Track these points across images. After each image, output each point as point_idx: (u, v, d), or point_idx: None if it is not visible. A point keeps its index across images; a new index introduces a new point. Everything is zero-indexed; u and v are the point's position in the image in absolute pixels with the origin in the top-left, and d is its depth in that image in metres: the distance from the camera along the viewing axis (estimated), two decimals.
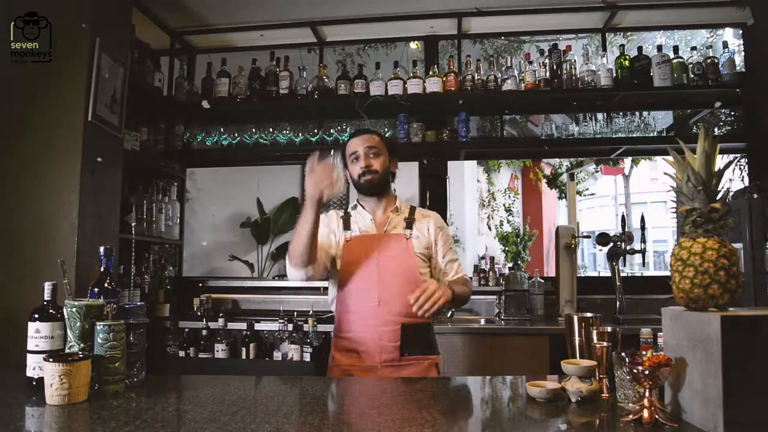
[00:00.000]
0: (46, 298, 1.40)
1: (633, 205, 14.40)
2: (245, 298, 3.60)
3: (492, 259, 4.23)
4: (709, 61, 3.20)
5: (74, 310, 1.36)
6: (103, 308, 1.40)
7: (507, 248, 7.66)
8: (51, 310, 1.39)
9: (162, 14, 3.50)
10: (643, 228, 3.13)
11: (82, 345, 1.35)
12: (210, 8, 3.46)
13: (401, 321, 1.82)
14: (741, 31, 3.54)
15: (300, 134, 3.47)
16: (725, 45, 3.30)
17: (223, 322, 3.00)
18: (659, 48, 3.26)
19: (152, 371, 1.53)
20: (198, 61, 3.92)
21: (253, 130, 3.51)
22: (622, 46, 3.41)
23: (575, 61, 3.29)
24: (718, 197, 1.17)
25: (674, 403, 1.14)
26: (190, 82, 3.67)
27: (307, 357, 2.87)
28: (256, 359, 2.96)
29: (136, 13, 3.19)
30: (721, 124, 3.73)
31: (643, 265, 3.39)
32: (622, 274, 3.20)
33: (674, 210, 1.24)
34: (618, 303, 3.10)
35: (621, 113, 3.45)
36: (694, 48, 3.36)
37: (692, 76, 3.20)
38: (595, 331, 1.40)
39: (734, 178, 3.59)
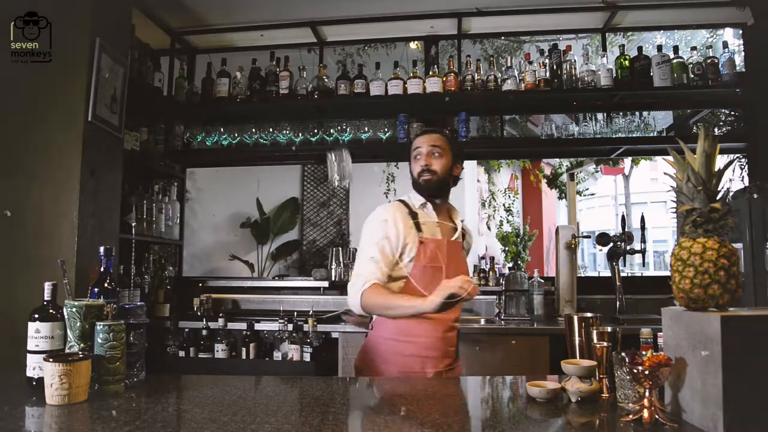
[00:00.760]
0: (46, 298, 1.40)
1: (633, 205, 14.41)
2: (245, 298, 3.60)
3: (492, 259, 4.23)
4: (709, 61, 3.20)
5: (74, 310, 1.36)
6: (103, 308, 1.40)
7: (507, 248, 7.66)
8: (51, 310, 1.40)
9: (162, 14, 3.49)
10: (643, 228, 3.13)
11: (82, 345, 1.35)
12: (210, 8, 3.46)
13: (457, 327, 1.90)
14: (741, 31, 3.54)
15: (300, 134, 3.47)
16: (725, 45, 3.30)
17: (223, 322, 3.00)
18: (659, 48, 3.26)
19: (152, 371, 1.53)
20: (198, 61, 3.92)
21: (253, 130, 3.51)
22: (622, 46, 3.41)
23: (575, 61, 3.29)
24: (718, 197, 1.17)
25: (674, 403, 1.14)
26: (190, 82, 3.66)
27: (307, 357, 2.87)
28: (256, 359, 2.96)
29: (136, 13, 3.19)
30: (721, 124, 3.73)
31: (643, 265, 3.39)
32: (622, 274, 3.20)
33: (674, 210, 1.24)
34: (618, 303, 3.10)
35: (621, 113, 3.44)
36: (694, 48, 3.36)
37: (692, 76, 3.20)
38: (595, 331, 1.41)
39: (734, 178, 3.59)
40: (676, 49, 3.29)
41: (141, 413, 1.20)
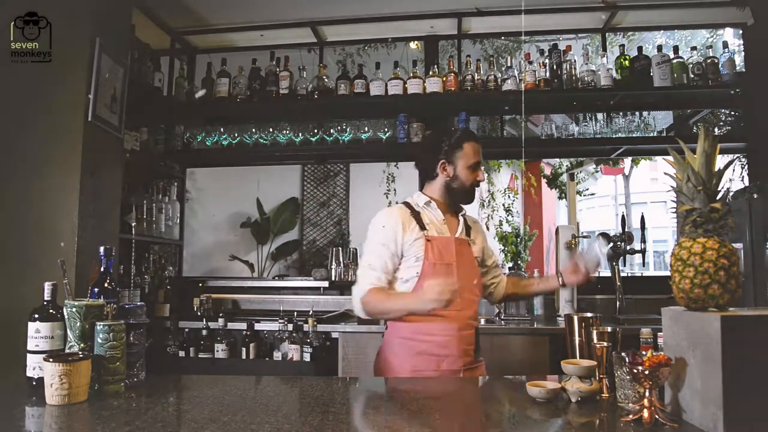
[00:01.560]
0: (46, 298, 1.40)
1: (633, 205, 14.39)
2: (245, 298, 3.60)
3: None
4: (709, 61, 3.20)
5: (74, 310, 1.36)
6: (103, 308, 1.40)
7: (507, 248, 7.65)
8: (51, 310, 1.40)
9: (162, 14, 3.49)
10: (643, 228, 3.13)
11: (82, 345, 1.35)
12: (210, 8, 3.46)
13: (474, 324, 1.88)
14: (741, 31, 3.54)
15: (300, 134, 3.47)
16: (725, 45, 3.30)
17: (223, 322, 3.00)
18: (659, 48, 3.26)
19: (152, 371, 1.53)
20: (198, 61, 3.92)
21: (253, 130, 3.51)
22: (622, 46, 3.41)
23: (575, 61, 3.29)
24: (718, 197, 1.17)
25: (674, 403, 1.14)
26: (190, 82, 3.66)
27: (307, 357, 2.87)
28: (256, 359, 2.96)
29: (136, 13, 3.18)
30: (721, 124, 3.73)
31: (643, 265, 3.39)
32: (622, 274, 3.20)
33: (674, 210, 1.24)
34: (618, 303, 3.10)
35: (621, 113, 3.44)
36: (694, 48, 3.36)
37: (692, 76, 3.20)
38: (595, 331, 1.41)
39: (734, 178, 3.59)
40: (676, 49, 3.29)
41: (141, 413, 1.20)
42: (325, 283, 3.44)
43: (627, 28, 3.77)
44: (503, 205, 8.60)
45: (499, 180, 8.66)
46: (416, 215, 1.87)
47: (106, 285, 1.51)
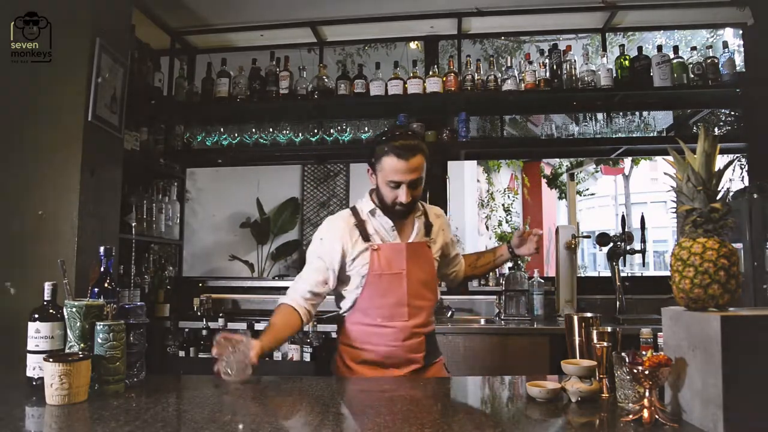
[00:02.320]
0: (46, 298, 1.40)
1: (633, 205, 14.41)
2: (245, 298, 3.60)
3: None
4: (709, 61, 3.20)
5: (74, 310, 1.36)
6: (103, 308, 1.40)
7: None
8: (51, 310, 1.40)
9: (162, 14, 3.49)
10: (643, 228, 3.13)
11: (82, 345, 1.35)
12: (210, 8, 3.46)
13: (424, 332, 1.78)
14: (741, 31, 3.54)
15: (300, 134, 3.47)
16: (725, 45, 3.30)
17: (223, 322, 3.00)
18: (659, 48, 3.26)
19: (152, 371, 1.53)
20: (198, 61, 3.92)
21: (253, 130, 3.51)
22: (622, 46, 3.41)
23: (575, 61, 3.29)
24: (718, 197, 1.17)
25: (674, 403, 1.14)
26: (190, 82, 3.66)
27: (307, 357, 2.87)
28: None
29: (136, 13, 3.18)
30: (721, 124, 3.73)
31: (643, 265, 3.39)
32: (622, 274, 3.20)
33: (674, 210, 1.24)
34: (618, 303, 3.10)
35: (621, 113, 3.44)
36: (694, 48, 3.36)
37: (692, 76, 3.20)
38: (595, 331, 1.41)
39: (734, 178, 3.59)
40: (676, 49, 3.29)
41: (141, 413, 1.20)
42: None
43: (627, 28, 3.77)
44: (503, 205, 8.61)
45: (498, 180, 8.67)
46: (361, 224, 1.77)
47: (106, 285, 1.51)
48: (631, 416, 1.11)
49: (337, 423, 1.14)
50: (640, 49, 3.31)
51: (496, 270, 3.70)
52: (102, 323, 1.35)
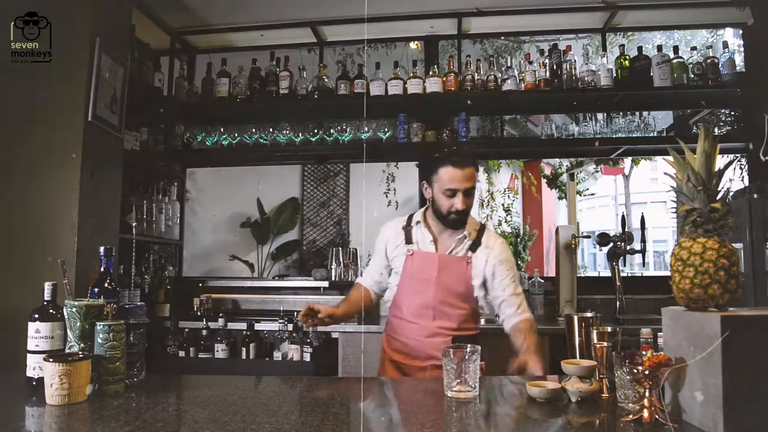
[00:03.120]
0: (46, 298, 1.40)
1: (633, 205, 14.39)
2: (245, 298, 3.60)
3: None
4: (709, 61, 3.20)
5: (74, 310, 1.36)
6: (103, 308, 1.40)
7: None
8: (51, 310, 1.40)
9: (162, 14, 3.49)
10: (643, 228, 3.13)
11: (82, 345, 1.35)
12: (210, 8, 3.46)
13: (453, 334, 1.90)
14: (741, 31, 3.54)
15: (300, 134, 3.47)
16: (725, 45, 3.30)
17: (223, 322, 3.00)
18: (659, 48, 3.26)
19: (152, 371, 1.53)
20: (198, 61, 3.91)
21: (253, 130, 3.51)
22: (622, 46, 3.41)
23: (575, 61, 3.28)
24: (718, 197, 1.17)
25: (674, 403, 1.14)
26: (190, 82, 3.66)
27: (307, 357, 2.87)
28: (256, 359, 2.96)
29: (136, 13, 3.18)
30: (721, 124, 3.73)
31: (643, 265, 3.39)
32: (622, 274, 3.20)
33: (674, 210, 1.24)
34: (618, 303, 3.09)
35: (621, 113, 3.44)
36: (694, 48, 3.36)
37: (692, 76, 3.20)
38: (595, 331, 1.41)
39: (734, 178, 3.59)
40: (676, 49, 3.29)
41: (141, 413, 1.20)
42: (325, 283, 3.44)
43: (627, 28, 3.77)
44: (503, 205, 8.59)
45: (498, 180, 8.66)
46: (408, 231, 2.00)
47: (106, 285, 1.51)
48: (631, 416, 1.11)
49: (337, 423, 1.14)
50: (640, 49, 3.31)
51: None
52: (102, 323, 1.35)
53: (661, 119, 3.64)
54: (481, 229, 1.99)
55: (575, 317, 1.48)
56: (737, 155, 3.51)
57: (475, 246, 1.95)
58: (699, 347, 1.07)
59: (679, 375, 1.12)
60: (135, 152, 3.17)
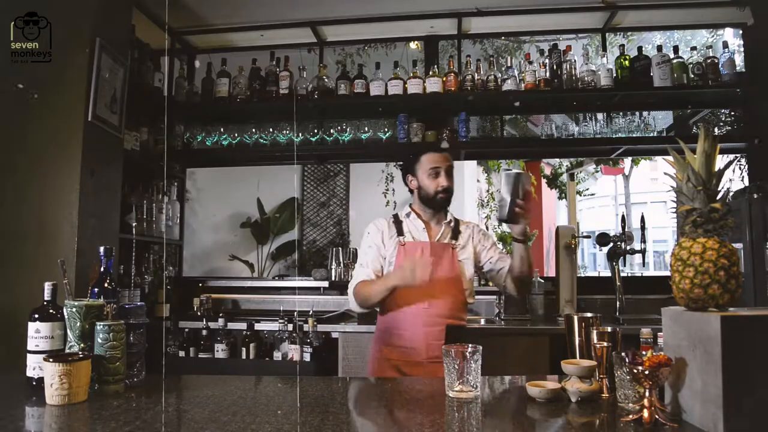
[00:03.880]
0: (46, 298, 1.40)
1: (633, 205, 14.40)
2: (245, 298, 3.60)
3: None
4: (709, 61, 3.20)
5: (74, 310, 1.36)
6: (103, 308, 1.40)
7: (506, 248, 7.65)
8: (51, 310, 1.40)
9: (162, 14, 3.49)
10: (643, 228, 3.13)
11: (82, 345, 1.35)
12: (210, 8, 3.46)
13: (446, 322, 1.97)
14: (741, 31, 3.54)
15: (300, 134, 3.47)
16: (725, 45, 3.30)
17: (223, 322, 2.99)
18: (659, 48, 3.26)
19: (152, 371, 1.53)
20: (198, 61, 3.91)
21: (253, 130, 3.51)
22: (622, 46, 3.41)
23: (575, 61, 3.29)
24: (718, 197, 1.17)
25: (674, 403, 1.14)
26: (190, 82, 3.66)
27: (307, 357, 2.87)
28: (256, 359, 2.96)
29: (136, 13, 3.18)
30: (721, 124, 3.73)
31: (643, 265, 3.39)
32: (622, 274, 3.20)
33: (674, 210, 1.24)
34: (618, 303, 3.09)
35: (621, 113, 3.44)
36: (694, 48, 3.36)
37: (692, 76, 3.20)
38: (595, 331, 1.40)
39: (734, 178, 3.59)
40: (676, 49, 3.29)
41: (141, 413, 1.20)
42: (325, 283, 3.44)
43: (627, 28, 3.77)
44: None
45: (498, 180, 8.65)
46: (398, 224, 2.11)
47: (106, 285, 1.51)
48: (631, 416, 1.11)
49: (337, 423, 1.14)
50: (640, 49, 3.31)
51: None
52: (102, 323, 1.35)
53: (661, 119, 3.64)
54: (456, 220, 2.17)
55: (575, 317, 1.48)
56: (737, 155, 3.51)
57: (455, 233, 2.12)
58: (699, 347, 1.07)
59: (679, 375, 1.12)
60: (135, 152, 3.17)
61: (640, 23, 3.66)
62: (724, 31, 4.86)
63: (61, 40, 2.41)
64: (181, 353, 3.01)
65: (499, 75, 3.33)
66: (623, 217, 3.36)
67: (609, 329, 1.40)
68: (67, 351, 1.37)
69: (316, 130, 3.48)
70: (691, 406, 1.09)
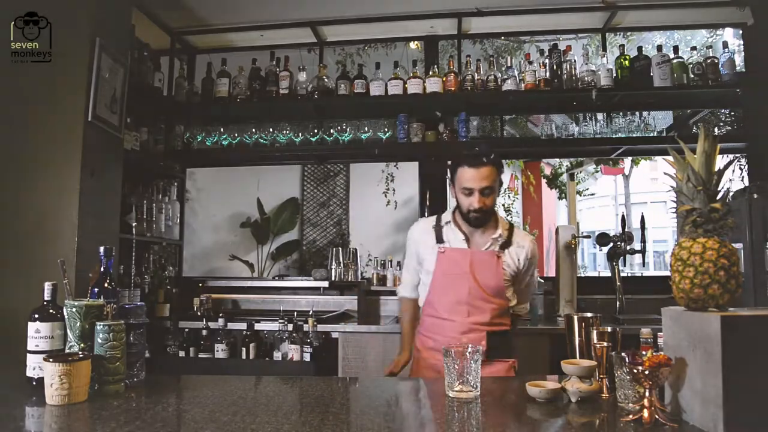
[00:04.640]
0: (46, 298, 1.40)
1: (633, 205, 14.40)
2: (245, 298, 3.60)
3: None
4: (709, 61, 3.20)
5: (74, 310, 1.36)
6: (103, 308, 1.40)
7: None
8: (51, 310, 1.40)
9: (162, 14, 3.49)
10: (643, 228, 3.13)
11: (82, 345, 1.35)
12: (210, 8, 3.46)
13: (487, 329, 1.91)
14: (741, 31, 3.54)
15: (300, 134, 3.47)
16: (725, 45, 3.30)
17: (223, 322, 2.99)
18: (659, 48, 3.26)
19: (152, 371, 1.53)
20: (198, 61, 3.91)
21: (253, 130, 3.51)
22: (622, 46, 3.41)
23: (575, 61, 3.29)
24: (718, 197, 1.17)
25: (674, 403, 1.14)
26: (190, 82, 3.66)
27: (307, 357, 2.87)
28: (256, 359, 2.96)
29: (136, 13, 3.18)
30: (721, 124, 3.73)
31: (643, 265, 3.39)
32: (622, 274, 3.20)
33: (674, 210, 1.24)
34: (618, 303, 3.10)
35: (621, 113, 3.44)
36: (694, 48, 3.36)
37: (692, 76, 3.20)
38: (595, 331, 1.40)
39: (734, 178, 3.59)
40: (676, 49, 3.29)
41: (141, 413, 1.20)
42: (325, 283, 3.44)
43: (627, 28, 3.77)
44: (503, 205, 8.59)
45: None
46: (438, 229, 2.00)
47: (106, 285, 1.51)
48: (631, 416, 1.11)
49: (337, 423, 1.14)
50: (640, 49, 3.31)
51: None
52: (102, 323, 1.35)
53: (661, 119, 3.64)
54: (511, 228, 2.03)
55: (575, 317, 1.48)
56: (737, 155, 3.51)
57: (506, 245, 1.97)
58: (699, 347, 1.07)
59: (679, 375, 1.12)
60: (135, 152, 3.17)
61: (640, 23, 3.66)
62: (724, 31, 4.87)
63: (61, 40, 2.40)
64: (181, 353, 3.01)
65: (499, 75, 3.33)
66: (623, 217, 3.36)
67: (609, 329, 1.40)
68: (67, 351, 1.37)
69: (316, 130, 3.48)
70: (691, 406, 1.09)
